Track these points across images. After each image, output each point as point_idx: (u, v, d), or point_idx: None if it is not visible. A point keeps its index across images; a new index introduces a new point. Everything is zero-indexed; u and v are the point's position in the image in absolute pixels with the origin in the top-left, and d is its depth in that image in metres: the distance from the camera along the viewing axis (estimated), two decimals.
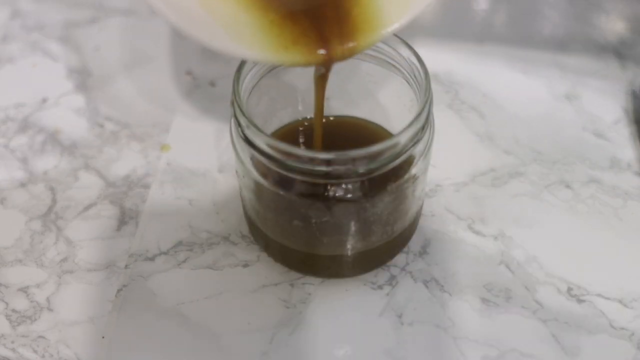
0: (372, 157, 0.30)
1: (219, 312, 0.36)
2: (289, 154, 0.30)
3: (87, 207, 0.40)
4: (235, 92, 0.31)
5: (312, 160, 0.29)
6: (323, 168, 0.30)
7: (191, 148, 0.43)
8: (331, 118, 0.39)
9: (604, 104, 0.44)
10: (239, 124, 0.31)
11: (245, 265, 0.38)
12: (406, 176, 0.32)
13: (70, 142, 0.44)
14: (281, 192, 0.32)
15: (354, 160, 0.29)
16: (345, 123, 0.39)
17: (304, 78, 0.35)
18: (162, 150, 0.43)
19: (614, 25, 0.49)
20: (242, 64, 0.32)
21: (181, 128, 0.44)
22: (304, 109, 0.39)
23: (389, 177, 0.31)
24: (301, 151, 0.30)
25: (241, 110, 0.31)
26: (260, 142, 0.30)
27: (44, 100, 0.46)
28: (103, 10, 0.51)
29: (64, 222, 0.40)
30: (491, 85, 0.45)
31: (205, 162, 0.42)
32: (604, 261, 0.38)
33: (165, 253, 0.38)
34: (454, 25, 0.50)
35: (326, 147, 0.37)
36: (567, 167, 0.41)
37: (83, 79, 0.47)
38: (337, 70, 0.33)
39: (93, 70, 0.48)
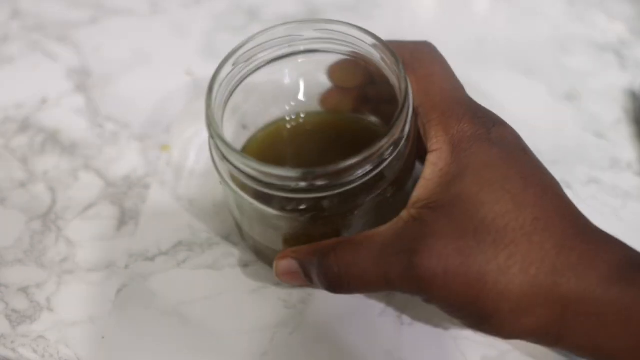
0: (344, 172, 0.28)
1: (219, 312, 0.36)
2: (261, 172, 0.29)
3: (87, 207, 0.40)
4: (208, 110, 0.30)
5: (283, 178, 0.29)
6: (295, 184, 0.29)
7: (191, 148, 0.43)
8: (322, 115, 0.38)
9: (604, 104, 0.44)
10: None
11: (245, 266, 0.38)
12: (387, 186, 0.31)
13: (70, 142, 0.44)
14: (260, 206, 0.31)
15: (326, 175, 0.28)
16: (337, 120, 0.38)
17: (291, 75, 0.36)
18: (162, 150, 0.43)
19: (614, 25, 0.49)
20: (214, 79, 0.32)
21: (181, 128, 0.44)
22: (292, 106, 0.38)
23: (369, 187, 0.30)
24: (272, 169, 0.28)
25: (215, 130, 0.30)
26: (234, 159, 0.30)
27: (44, 101, 0.46)
28: (103, 10, 0.51)
29: (64, 222, 0.40)
30: (491, 85, 0.45)
31: (205, 162, 0.42)
32: None
33: (165, 253, 0.38)
34: (454, 25, 0.50)
35: (319, 148, 0.37)
36: (567, 167, 0.41)
37: (83, 79, 0.47)
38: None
39: (93, 70, 0.48)
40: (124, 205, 0.40)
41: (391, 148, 0.29)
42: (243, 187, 0.31)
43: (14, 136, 0.44)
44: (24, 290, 0.37)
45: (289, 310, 0.36)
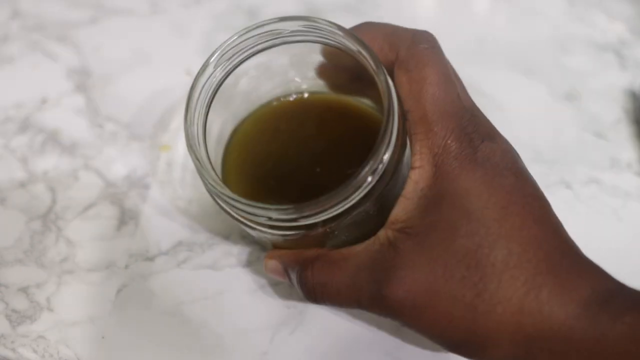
0: (325, 204, 0.28)
1: (219, 312, 0.36)
2: (242, 209, 0.29)
3: (87, 207, 0.40)
4: (186, 126, 0.30)
5: (263, 213, 0.28)
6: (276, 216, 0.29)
7: None
8: (312, 100, 0.37)
9: (604, 104, 0.44)
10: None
11: (245, 266, 0.38)
12: (371, 204, 0.30)
13: (70, 142, 0.44)
14: (244, 221, 0.31)
15: (307, 209, 0.28)
16: (328, 106, 0.37)
17: (281, 60, 0.35)
18: (162, 150, 0.43)
19: (614, 25, 0.49)
20: (193, 89, 0.31)
21: (181, 128, 0.44)
22: (283, 88, 0.37)
23: (352, 208, 0.29)
24: (254, 209, 0.28)
25: (194, 153, 0.30)
26: (216, 191, 0.29)
27: (44, 101, 0.46)
28: (103, 10, 0.51)
29: (64, 222, 0.40)
30: (491, 85, 0.45)
31: None
32: (604, 261, 0.37)
33: (165, 253, 0.38)
34: (454, 25, 0.50)
35: (306, 140, 0.36)
36: (567, 167, 0.41)
37: (83, 79, 0.47)
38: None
39: (93, 70, 0.48)
40: (124, 205, 0.40)
41: (371, 176, 0.28)
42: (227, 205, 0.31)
43: (14, 136, 0.44)
44: (24, 290, 0.37)
45: (289, 310, 0.36)
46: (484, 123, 0.30)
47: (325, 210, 0.28)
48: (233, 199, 0.28)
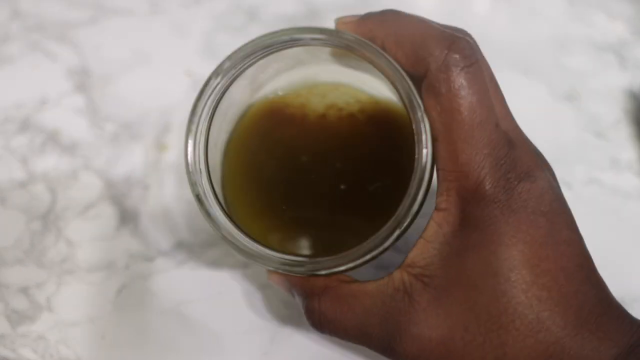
0: (340, 261, 0.27)
1: (219, 312, 0.36)
2: (246, 249, 0.28)
3: (87, 207, 0.40)
4: (189, 177, 0.29)
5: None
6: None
7: None
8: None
9: (604, 104, 0.44)
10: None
11: (245, 266, 0.38)
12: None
13: (70, 142, 0.44)
14: (258, 260, 0.30)
15: (323, 263, 0.27)
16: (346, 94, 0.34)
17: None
18: (162, 150, 0.43)
19: (614, 25, 0.49)
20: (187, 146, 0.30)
21: (181, 128, 0.44)
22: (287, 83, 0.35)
23: (371, 259, 0.28)
24: (262, 250, 0.28)
25: (200, 200, 0.29)
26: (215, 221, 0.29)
27: (44, 101, 0.46)
28: (103, 10, 0.51)
29: (64, 222, 0.40)
30: None
31: None
32: (604, 261, 0.37)
33: (165, 253, 0.38)
34: (454, 25, 0.50)
35: (323, 131, 0.33)
36: (567, 167, 0.41)
37: (83, 79, 0.47)
38: None
39: (93, 70, 0.48)
40: (124, 205, 0.40)
41: (391, 238, 0.27)
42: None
43: (14, 136, 0.44)
44: (24, 290, 0.37)
45: (289, 310, 0.36)
46: (523, 156, 0.27)
47: (341, 265, 0.27)
48: (245, 245, 0.28)
